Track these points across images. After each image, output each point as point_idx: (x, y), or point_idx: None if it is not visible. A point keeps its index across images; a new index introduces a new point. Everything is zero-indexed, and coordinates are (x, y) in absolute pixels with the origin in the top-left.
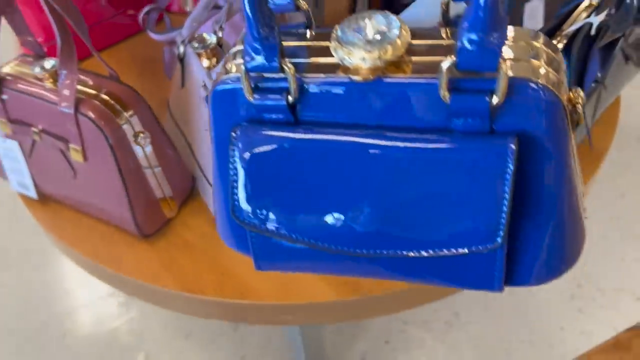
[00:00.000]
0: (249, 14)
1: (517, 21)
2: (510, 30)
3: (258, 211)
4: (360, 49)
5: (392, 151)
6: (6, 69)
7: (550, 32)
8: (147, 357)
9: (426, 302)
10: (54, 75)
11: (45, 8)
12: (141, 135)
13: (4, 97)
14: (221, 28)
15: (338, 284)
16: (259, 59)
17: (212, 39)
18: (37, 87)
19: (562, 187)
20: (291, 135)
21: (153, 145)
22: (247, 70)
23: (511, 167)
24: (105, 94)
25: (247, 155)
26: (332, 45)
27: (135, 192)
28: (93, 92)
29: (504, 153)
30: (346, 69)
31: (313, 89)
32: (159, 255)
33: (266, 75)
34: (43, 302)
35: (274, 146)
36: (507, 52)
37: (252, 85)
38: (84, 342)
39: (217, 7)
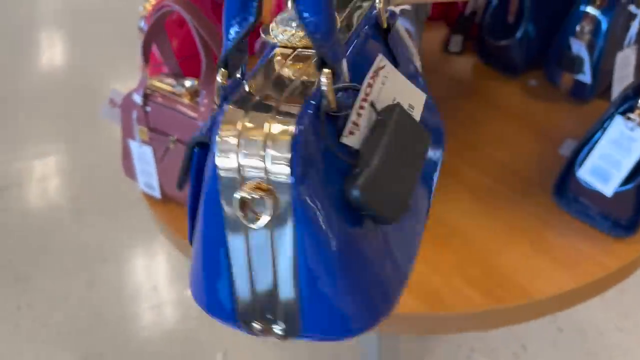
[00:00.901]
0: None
1: (610, 68)
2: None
3: None
4: (281, 25)
5: None
6: (148, 85)
7: None
8: (225, 355)
9: (506, 324)
10: (193, 93)
11: (197, 38)
12: None
13: (148, 108)
14: None
15: (423, 296)
16: None
17: None
18: (176, 102)
19: None
20: None
21: None
22: None
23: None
24: None
25: None
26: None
27: None
28: None
29: None
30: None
31: None
32: None
33: None
34: (134, 295)
35: None
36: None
37: None
38: (167, 336)
39: None
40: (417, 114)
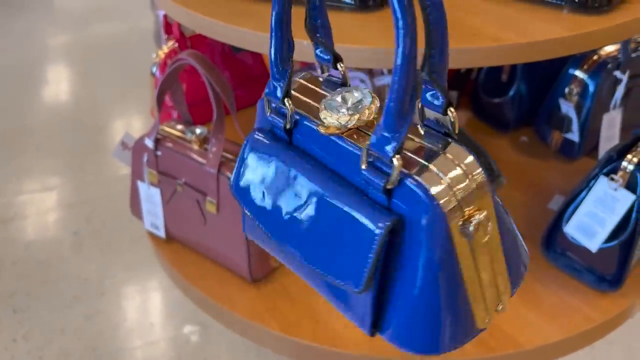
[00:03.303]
0: (272, 60)
1: (597, 128)
2: (449, 145)
3: (243, 194)
4: (331, 111)
5: (317, 186)
6: (160, 130)
7: (627, 147)
8: None
9: None
10: (202, 140)
11: (209, 90)
12: None
13: (158, 153)
14: None
15: None
16: (274, 91)
17: None
18: (186, 148)
19: (430, 276)
20: (274, 151)
21: None
22: (266, 95)
23: (377, 238)
24: None
25: (249, 149)
26: (320, 105)
27: (252, 242)
28: (232, 157)
29: (376, 225)
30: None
31: (302, 124)
32: (264, 299)
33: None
34: (131, 330)
35: (264, 151)
36: (430, 157)
37: (272, 107)
38: None
39: None
40: None
